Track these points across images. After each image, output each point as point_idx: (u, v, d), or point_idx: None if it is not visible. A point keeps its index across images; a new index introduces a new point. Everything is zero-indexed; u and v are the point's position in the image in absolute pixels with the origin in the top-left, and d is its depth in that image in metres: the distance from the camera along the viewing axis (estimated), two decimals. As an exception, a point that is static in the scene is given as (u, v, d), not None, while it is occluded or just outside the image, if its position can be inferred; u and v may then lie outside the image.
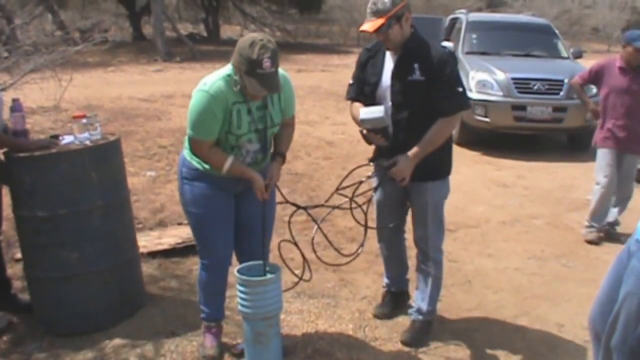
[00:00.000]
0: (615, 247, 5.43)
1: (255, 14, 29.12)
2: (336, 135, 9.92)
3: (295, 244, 3.75)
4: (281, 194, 3.72)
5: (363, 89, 3.78)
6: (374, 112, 3.56)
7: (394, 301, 4.27)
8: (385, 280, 4.29)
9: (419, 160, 3.57)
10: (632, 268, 2.64)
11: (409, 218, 3.97)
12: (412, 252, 4.14)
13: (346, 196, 3.80)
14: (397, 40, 3.55)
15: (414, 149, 3.55)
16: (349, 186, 3.81)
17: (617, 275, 2.78)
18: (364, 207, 3.78)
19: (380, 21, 3.44)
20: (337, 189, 3.85)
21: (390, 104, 3.62)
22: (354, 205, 3.79)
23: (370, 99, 3.71)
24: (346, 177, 3.82)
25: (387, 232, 4.06)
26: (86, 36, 13.82)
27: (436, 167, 3.71)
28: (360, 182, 3.83)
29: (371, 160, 3.92)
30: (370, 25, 3.48)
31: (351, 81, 3.90)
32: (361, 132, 3.70)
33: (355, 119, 3.75)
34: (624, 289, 2.66)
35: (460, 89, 3.60)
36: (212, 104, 3.18)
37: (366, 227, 3.80)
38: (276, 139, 3.58)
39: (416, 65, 3.54)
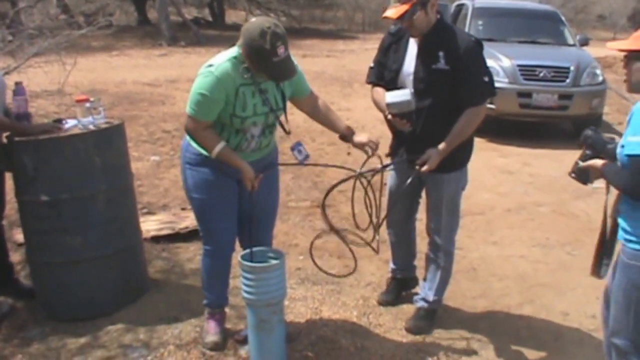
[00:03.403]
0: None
1: (260, -1, 29.01)
2: (341, 121, 9.84)
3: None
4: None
5: (383, 74, 3.72)
6: (401, 95, 3.46)
7: (399, 288, 4.26)
8: (392, 266, 4.26)
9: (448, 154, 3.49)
10: (619, 262, 2.77)
11: (421, 207, 3.92)
12: (421, 239, 4.11)
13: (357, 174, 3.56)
14: (422, 27, 3.47)
15: (444, 143, 3.46)
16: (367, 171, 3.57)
17: None
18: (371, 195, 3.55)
19: (405, 7, 3.36)
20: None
21: (412, 91, 3.52)
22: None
23: (391, 86, 3.61)
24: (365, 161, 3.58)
25: (397, 218, 4.00)
26: (90, 20, 13.77)
27: (455, 158, 3.60)
28: (380, 169, 3.62)
29: (389, 154, 3.82)
30: (394, 11, 3.39)
31: (372, 64, 3.81)
32: (386, 117, 3.62)
33: (377, 103, 3.68)
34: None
35: (487, 78, 3.52)
36: (215, 86, 3.15)
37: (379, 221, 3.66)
38: (327, 124, 3.58)
39: (441, 54, 3.46)
